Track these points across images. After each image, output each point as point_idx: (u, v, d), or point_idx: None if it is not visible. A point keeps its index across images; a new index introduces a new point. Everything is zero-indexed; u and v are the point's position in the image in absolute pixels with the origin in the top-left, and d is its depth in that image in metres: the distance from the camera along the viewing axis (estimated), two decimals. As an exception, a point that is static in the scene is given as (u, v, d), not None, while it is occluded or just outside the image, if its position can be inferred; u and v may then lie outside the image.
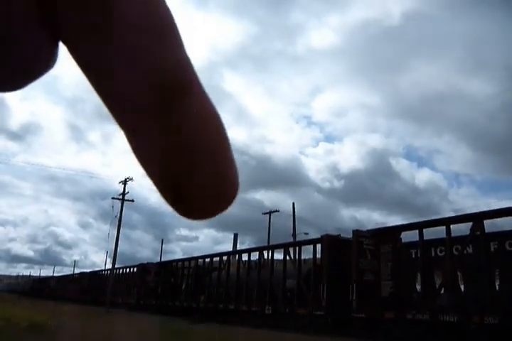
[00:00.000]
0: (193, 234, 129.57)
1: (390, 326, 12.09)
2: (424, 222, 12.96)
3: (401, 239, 13.69)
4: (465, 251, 12.00)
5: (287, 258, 17.34)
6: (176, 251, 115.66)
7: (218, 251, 23.72)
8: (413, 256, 13.55)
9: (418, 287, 13.18)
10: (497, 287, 11.40)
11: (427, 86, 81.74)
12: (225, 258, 21.67)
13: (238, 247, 52.62)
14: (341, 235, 15.66)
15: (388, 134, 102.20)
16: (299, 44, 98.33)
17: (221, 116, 0.24)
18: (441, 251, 13.23)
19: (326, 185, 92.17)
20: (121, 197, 29.47)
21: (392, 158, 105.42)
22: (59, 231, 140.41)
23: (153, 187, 0.22)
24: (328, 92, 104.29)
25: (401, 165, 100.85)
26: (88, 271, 47.68)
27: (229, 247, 56.52)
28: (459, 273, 12.08)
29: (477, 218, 11.45)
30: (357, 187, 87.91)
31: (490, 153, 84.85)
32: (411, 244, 13.51)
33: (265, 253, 19.87)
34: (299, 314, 15.31)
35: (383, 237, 13.67)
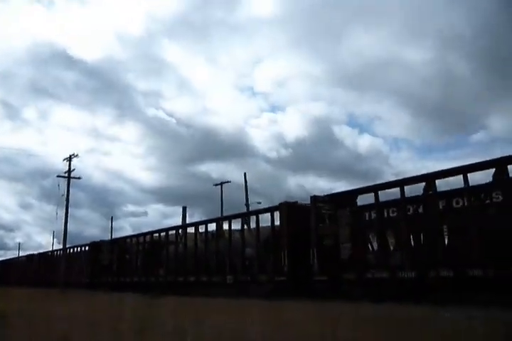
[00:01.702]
0: (141, 209, 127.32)
1: (351, 286, 12.55)
2: (379, 184, 13.32)
3: (357, 202, 14.05)
4: (418, 211, 12.53)
5: (245, 227, 17.47)
6: (125, 228, 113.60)
7: (168, 225, 23.51)
8: (366, 218, 13.99)
9: (375, 247, 13.76)
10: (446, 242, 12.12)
11: (367, 54, 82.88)
12: (181, 231, 21.54)
13: (188, 220, 52.46)
14: (298, 202, 15.82)
15: (330, 102, 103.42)
16: (239, 13, 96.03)
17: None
18: (393, 212, 13.75)
19: (273, 154, 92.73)
20: (66, 174, 28.29)
21: (335, 126, 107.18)
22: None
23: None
24: (270, 62, 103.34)
25: (344, 133, 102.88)
26: (35, 252, 46.11)
27: (178, 221, 56.18)
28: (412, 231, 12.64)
29: (430, 178, 11.90)
30: (303, 156, 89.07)
31: (426, 117, 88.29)
32: (364, 207, 13.92)
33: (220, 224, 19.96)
34: (260, 281, 15.57)
35: (340, 201, 13.98)
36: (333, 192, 15.21)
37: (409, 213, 12.51)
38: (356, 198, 13.90)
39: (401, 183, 12.59)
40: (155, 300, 15.94)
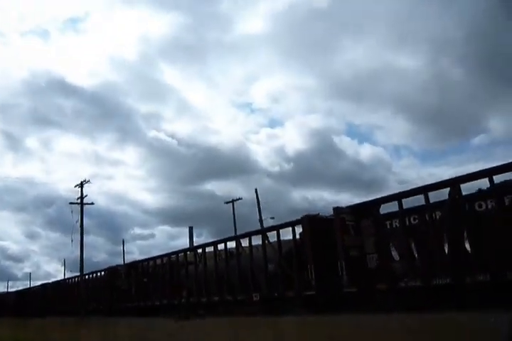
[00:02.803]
0: (148, 231, 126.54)
1: (383, 297, 12.39)
2: (402, 192, 13.24)
3: (379, 211, 13.95)
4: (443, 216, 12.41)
5: (266, 242, 17.29)
6: (134, 251, 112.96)
7: (176, 247, 23.32)
8: (388, 227, 13.90)
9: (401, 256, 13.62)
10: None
11: (359, 64, 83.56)
12: (199, 250, 21.39)
13: (195, 240, 52.26)
14: (319, 214, 15.74)
15: (328, 114, 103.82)
16: (232, 32, 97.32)
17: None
18: (414, 219, 13.64)
19: (275, 169, 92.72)
20: (78, 201, 28.30)
21: (334, 137, 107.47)
22: (5, 245, 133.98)
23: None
24: (265, 78, 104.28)
25: (344, 143, 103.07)
26: (44, 282, 45.93)
27: (186, 241, 55.84)
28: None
29: (454, 183, 11.83)
30: (305, 169, 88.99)
31: (425, 123, 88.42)
32: (387, 216, 13.84)
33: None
34: (288, 297, 15.38)
35: (363, 212, 13.91)
36: (340, 203, 15.24)
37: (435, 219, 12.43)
38: (379, 207, 13.82)
39: (424, 190, 12.53)
40: (181, 323, 15.74)
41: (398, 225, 13.56)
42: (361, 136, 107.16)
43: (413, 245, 13.63)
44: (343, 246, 13.58)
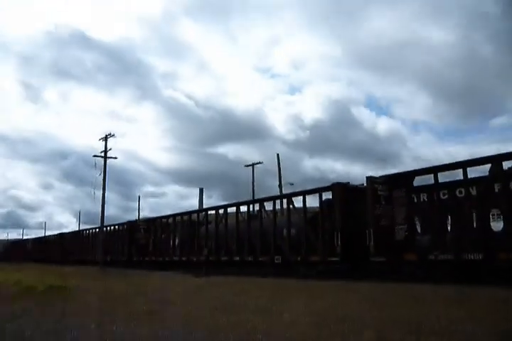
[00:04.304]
0: (160, 190, 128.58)
1: (411, 268, 12.47)
2: (440, 165, 13.07)
3: (413, 184, 13.83)
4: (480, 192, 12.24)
5: (291, 207, 17.36)
6: (144, 208, 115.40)
7: (186, 207, 23.56)
8: (421, 200, 13.78)
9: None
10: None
11: (387, 34, 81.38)
12: (221, 211, 21.57)
13: (204, 202, 53.32)
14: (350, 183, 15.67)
15: (349, 84, 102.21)
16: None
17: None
18: (443, 195, 13.49)
19: (291, 136, 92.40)
20: (100, 154, 28.46)
21: (353, 108, 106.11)
22: (20, 194, 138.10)
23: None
24: (288, 42, 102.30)
25: (362, 115, 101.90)
26: (56, 232, 47.29)
27: (195, 202, 56.98)
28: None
29: (496, 160, 11.60)
30: (320, 138, 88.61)
31: (448, 100, 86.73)
32: (420, 188, 13.70)
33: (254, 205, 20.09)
34: (311, 261, 15.55)
35: (396, 183, 13.79)
36: (352, 175, 15.02)
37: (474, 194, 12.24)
38: (413, 179, 13.68)
39: (463, 165, 12.31)
40: (202, 279, 16.09)
41: (426, 199, 13.47)
42: (380, 108, 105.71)
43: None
44: (374, 215, 13.56)
